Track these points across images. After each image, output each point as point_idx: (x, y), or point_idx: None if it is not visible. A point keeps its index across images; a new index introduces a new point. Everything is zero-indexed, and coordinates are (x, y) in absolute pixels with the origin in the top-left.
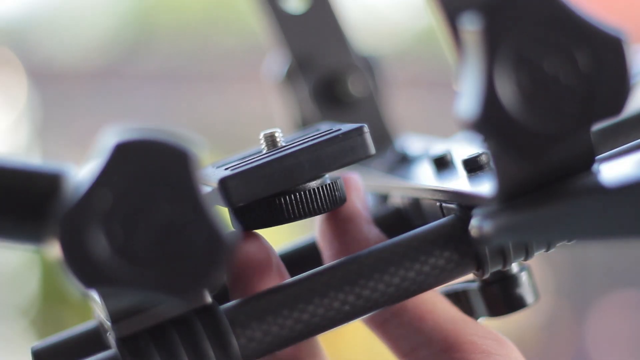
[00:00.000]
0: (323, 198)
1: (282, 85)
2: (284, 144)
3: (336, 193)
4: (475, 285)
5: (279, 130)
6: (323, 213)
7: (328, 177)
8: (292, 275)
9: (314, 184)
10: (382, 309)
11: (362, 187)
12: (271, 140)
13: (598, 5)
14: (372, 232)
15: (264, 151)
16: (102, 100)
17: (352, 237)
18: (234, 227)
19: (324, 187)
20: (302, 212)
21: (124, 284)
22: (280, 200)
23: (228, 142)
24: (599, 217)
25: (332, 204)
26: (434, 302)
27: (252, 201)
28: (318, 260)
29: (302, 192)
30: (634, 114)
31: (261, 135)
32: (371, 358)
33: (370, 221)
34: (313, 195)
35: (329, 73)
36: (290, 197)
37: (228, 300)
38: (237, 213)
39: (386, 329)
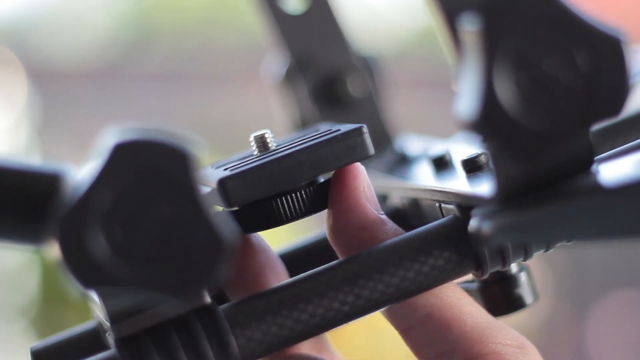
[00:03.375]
0: (312, 199)
1: (281, 85)
2: (274, 146)
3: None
4: (474, 285)
5: (269, 131)
6: (315, 213)
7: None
8: (292, 275)
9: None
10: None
11: (363, 180)
12: (262, 142)
13: (597, 6)
14: (387, 231)
15: (263, 151)
16: (102, 100)
17: (365, 242)
18: (233, 227)
19: (312, 188)
20: (294, 214)
21: (123, 284)
22: (273, 203)
23: (228, 142)
24: (599, 218)
25: (323, 205)
26: (460, 308)
27: (247, 204)
28: (318, 260)
29: (294, 194)
30: (633, 114)
31: (251, 137)
32: (371, 358)
33: (381, 219)
34: (304, 197)
35: (328, 73)
36: (282, 200)
37: (227, 301)
38: (235, 216)
39: (411, 335)
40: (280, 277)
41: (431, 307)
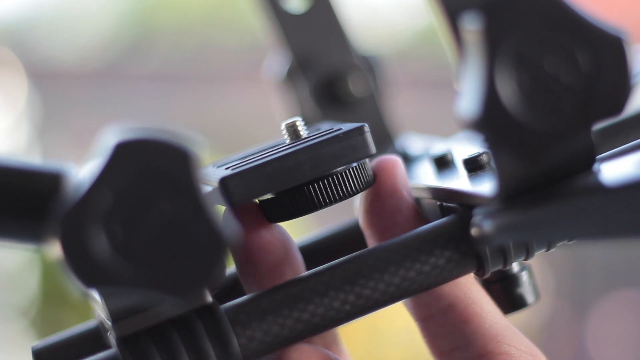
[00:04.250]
0: (350, 182)
1: (282, 84)
2: (306, 135)
3: (364, 175)
4: None
5: (300, 119)
6: (352, 197)
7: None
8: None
9: (340, 168)
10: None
11: (400, 167)
12: (293, 130)
13: (598, 5)
14: (418, 218)
15: (266, 149)
16: (102, 100)
17: (399, 225)
18: (234, 227)
19: (350, 170)
20: (331, 198)
21: (124, 284)
22: (308, 188)
23: (228, 142)
24: (600, 217)
25: (361, 187)
26: (482, 305)
27: (278, 194)
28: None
29: (329, 178)
30: (635, 113)
31: (283, 126)
32: (371, 358)
33: (415, 207)
34: (340, 180)
35: (329, 73)
36: (318, 184)
37: (229, 300)
38: (262, 205)
39: (429, 325)
40: (297, 270)
41: (455, 299)
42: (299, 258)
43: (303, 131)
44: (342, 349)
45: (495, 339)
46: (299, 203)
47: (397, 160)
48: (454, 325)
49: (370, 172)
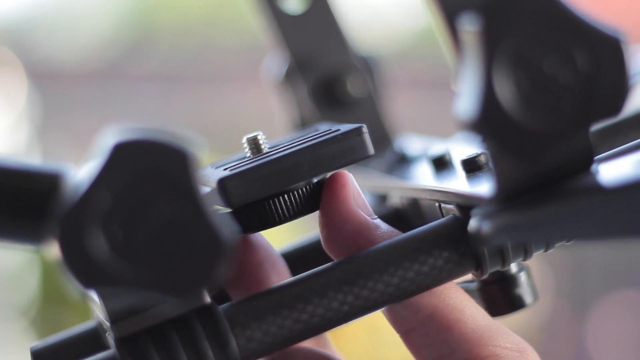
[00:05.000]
0: (307, 199)
1: (281, 85)
2: (267, 149)
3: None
4: (474, 285)
5: (261, 133)
6: (309, 214)
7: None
8: (294, 274)
9: (301, 183)
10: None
11: (350, 185)
12: (254, 144)
13: (598, 5)
14: (382, 234)
15: (263, 151)
16: (102, 100)
17: (363, 248)
18: (233, 227)
19: (308, 187)
20: (290, 214)
21: (123, 284)
22: (269, 203)
23: (228, 142)
24: (598, 217)
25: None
26: (462, 310)
27: (244, 204)
28: (320, 259)
29: (290, 194)
30: (633, 114)
31: (244, 140)
32: (371, 358)
33: (375, 224)
34: (300, 197)
35: (328, 73)
36: (278, 200)
37: (227, 300)
38: (235, 216)
39: (411, 337)
40: (281, 275)
41: (433, 309)
42: (282, 263)
43: (264, 145)
44: (334, 350)
45: (479, 343)
46: (257, 218)
47: (346, 179)
48: (437, 335)
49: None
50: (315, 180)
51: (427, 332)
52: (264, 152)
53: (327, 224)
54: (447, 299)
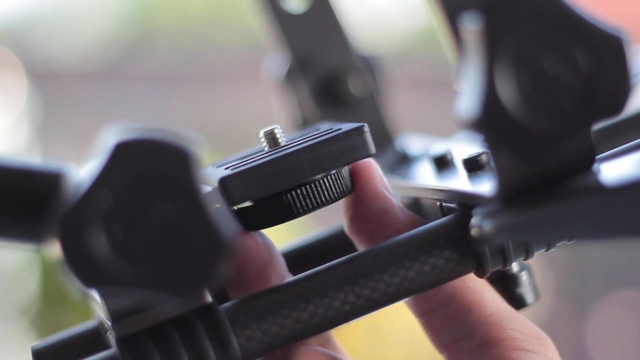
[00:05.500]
0: (329, 190)
1: (282, 84)
2: (285, 142)
3: (341, 182)
4: None
5: (278, 126)
6: (330, 204)
7: None
8: (294, 274)
9: (318, 176)
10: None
11: (377, 169)
12: (271, 137)
13: (598, 5)
14: (405, 215)
15: (266, 149)
16: (102, 100)
17: (387, 226)
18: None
19: (328, 178)
20: (310, 206)
21: (124, 284)
22: (287, 196)
23: (228, 142)
24: (599, 217)
25: (340, 194)
26: (482, 293)
27: (256, 200)
28: (320, 259)
29: (308, 186)
30: (634, 113)
31: (261, 133)
32: (371, 358)
33: (399, 205)
34: (319, 188)
35: (329, 72)
36: (297, 192)
37: (228, 300)
38: (240, 214)
39: (431, 319)
40: (281, 275)
41: (454, 289)
42: (282, 262)
43: (281, 138)
44: (338, 347)
45: (498, 325)
46: (277, 211)
47: (372, 162)
48: (456, 316)
49: (348, 179)
50: (333, 171)
51: (446, 314)
52: (281, 145)
53: (354, 203)
54: (468, 281)
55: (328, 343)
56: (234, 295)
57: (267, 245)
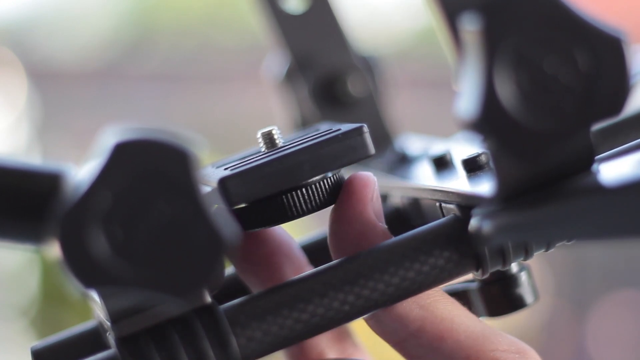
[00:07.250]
0: (325, 193)
1: (281, 85)
2: (282, 143)
3: (338, 186)
4: (474, 285)
5: (276, 127)
6: (328, 207)
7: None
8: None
9: (316, 178)
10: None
11: (371, 189)
12: (269, 138)
13: (598, 5)
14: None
15: (264, 150)
16: (102, 100)
17: (363, 249)
18: (234, 226)
19: (325, 180)
20: (306, 208)
21: (123, 284)
22: (283, 198)
23: (228, 142)
24: (599, 217)
25: (332, 200)
26: (452, 319)
27: (254, 201)
28: (320, 259)
29: (305, 189)
30: (634, 113)
31: (259, 134)
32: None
33: (383, 231)
34: (316, 191)
35: (328, 73)
36: (294, 194)
37: (228, 300)
38: (241, 213)
39: (405, 348)
40: (297, 265)
41: (422, 321)
42: (298, 254)
43: (279, 140)
44: (356, 343)
45: (475, 349)
46: (273, 212)
47: (369, 179)
48: (429, 346)
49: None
50: (330, 175)
51: (419, 344)
52: (279, 146)
53: (338, 219)
54: (435, 310)
55: (346, 340)
56: (260, 285)
57: (278, 237)
